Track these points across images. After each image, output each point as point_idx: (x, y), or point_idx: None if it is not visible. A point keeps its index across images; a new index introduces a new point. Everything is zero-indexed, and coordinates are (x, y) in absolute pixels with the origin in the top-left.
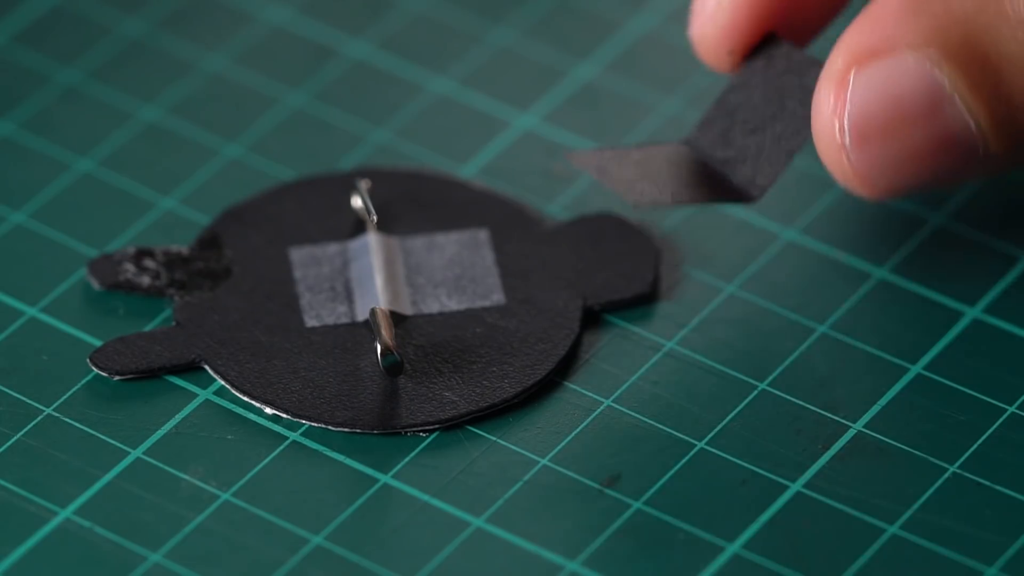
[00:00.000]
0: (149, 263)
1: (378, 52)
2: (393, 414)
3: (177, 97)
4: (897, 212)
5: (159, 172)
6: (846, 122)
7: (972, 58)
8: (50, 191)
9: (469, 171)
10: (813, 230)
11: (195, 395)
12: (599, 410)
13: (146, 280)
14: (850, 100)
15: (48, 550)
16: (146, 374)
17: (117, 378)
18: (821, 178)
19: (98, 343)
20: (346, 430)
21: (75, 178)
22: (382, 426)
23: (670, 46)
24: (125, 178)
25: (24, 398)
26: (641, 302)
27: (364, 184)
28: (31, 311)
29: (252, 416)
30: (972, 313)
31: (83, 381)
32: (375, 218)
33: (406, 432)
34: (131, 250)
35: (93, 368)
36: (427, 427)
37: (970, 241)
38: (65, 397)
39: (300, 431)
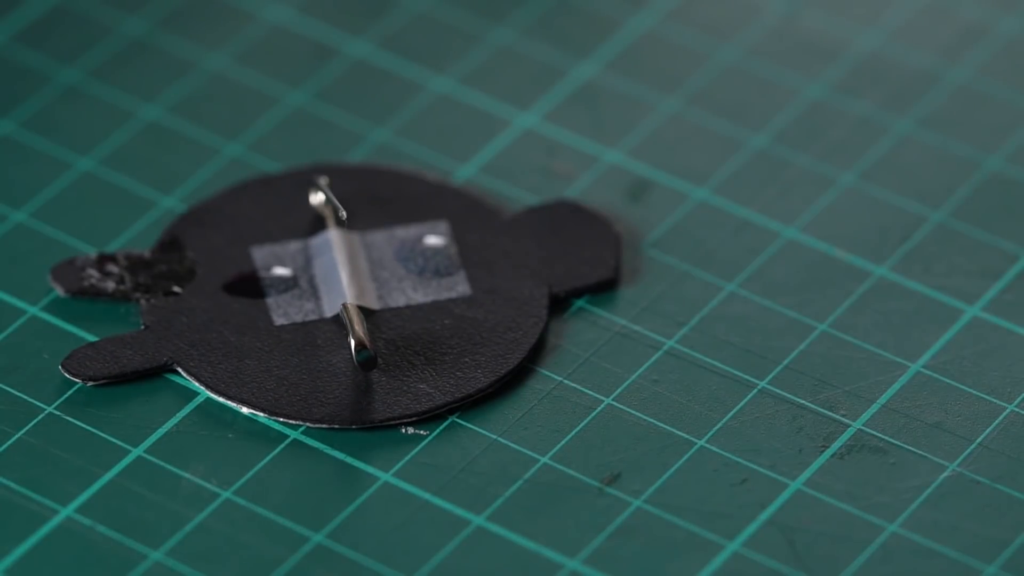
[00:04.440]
0: (112, 268)
1: (378, 51)
2: (370, 408)
3: (178, 96)
4: (896, 210)
5: (160, 171)
6: None
7: None
8: (51, 190)
9: (469, 170)
10: (813, 229)
11: (196, 394)
12: (600, 408)
13: (110, 285)
14: None
15: (49, 548)
16: (118, 379)
17: (91, 384)
18: (822, 177)
19: None
20: (324, 426)
21: (76, 177)
22: (360, 421)
23: (670, 45)
24: (126, 177)
25: (25, 396)
26: (605, 288)
27: (324, 181)
28: (32, 310)
29: (257, 415)
30: (972, 311)
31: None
32: (344, 214)
33: (400, 427)
34: (93, 255)
35: (66, 374)
36: (405, 420)
37: (970, 239)
38: (66, 395)
39: (300, 430)
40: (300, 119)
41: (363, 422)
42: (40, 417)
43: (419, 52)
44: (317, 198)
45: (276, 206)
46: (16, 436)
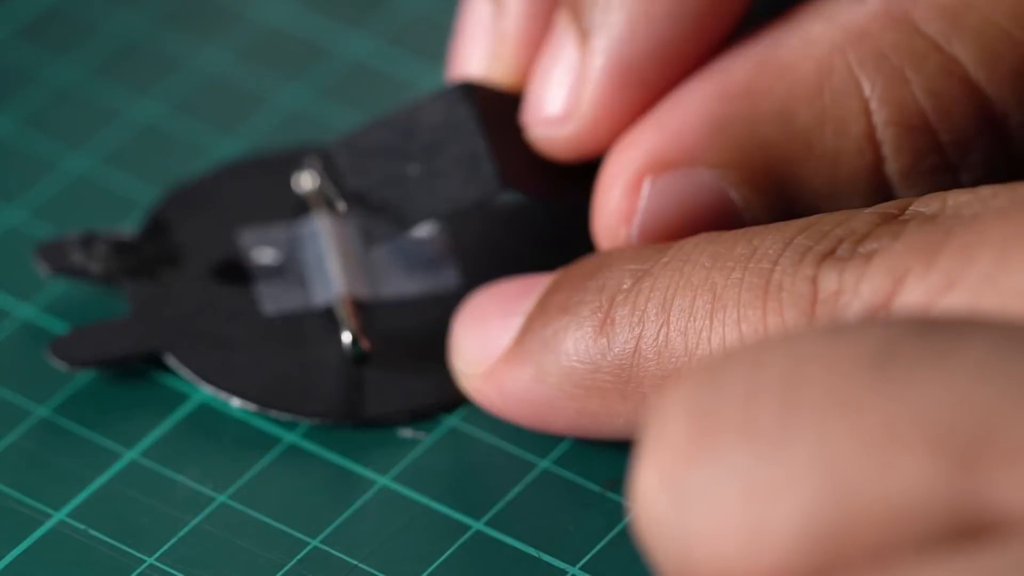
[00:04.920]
0: (98, 249)
1: (377, 51)
2: (363, 404)
3: (174, 95)
4: None
5: (155, 170)
6: (635, 229)
7: (771, 184)
8: (46, 189)
9: None
10: None
11: (191, 397)
12: None
13: (96, 266)
14: (642, 208)
15: (42, 553)
16: (107, 364)
17: (78, 369)
18: None
19: None
20: (317, 421)
21: (71, 176)
22: (353, 415)
23: None
24: (121, 176)
25: (19, 399)
26: None
27: (316, 163)
28: (26, 311)
29: (249, 418)
30: None
31: (78, 382)
32: (343, 205)
33: (395, 425)
34: (78, 235)
35: (53, 359)
36: (399, 415)
37: None
38: (60, 399)
39: (298, 433)
40: (298, 119)
41: (356, 417)
42: (32, 420)
43: (418, 52)
44: (304, 183)
45: (264, 189)
46: (8, 439)
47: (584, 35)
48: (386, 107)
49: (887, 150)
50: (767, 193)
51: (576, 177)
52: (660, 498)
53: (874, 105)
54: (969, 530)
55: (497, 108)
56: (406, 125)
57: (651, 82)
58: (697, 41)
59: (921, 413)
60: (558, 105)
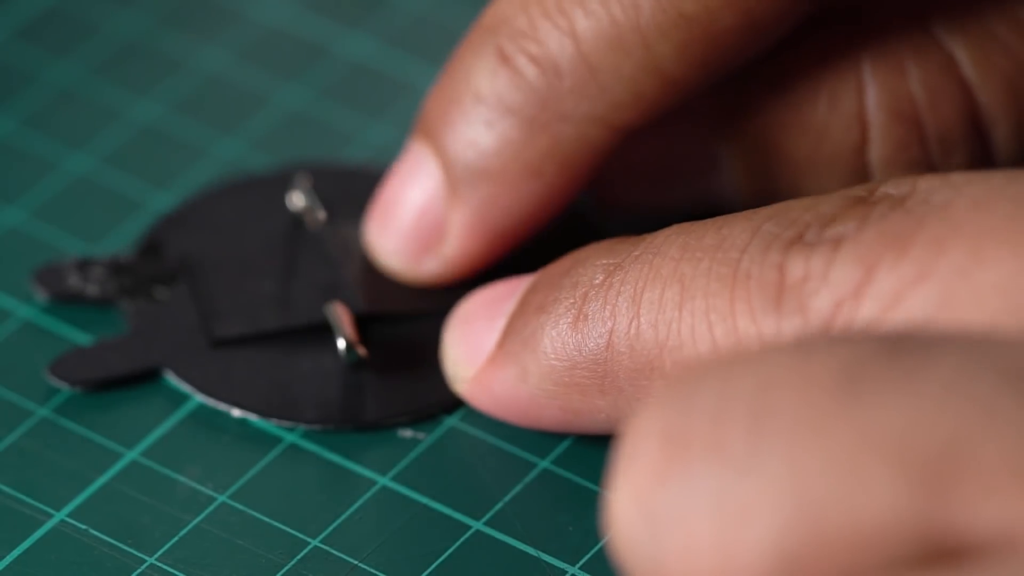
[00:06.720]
0: (94, 272)
1: (377, 51)
2: (364, 409)
3: (174, 95)
4: None
5: (156, 171)
6: None
7: (758, 148)
8: (46, 190)
9: None
10: None
11: (191, 397)
12: None
13: (93, 289)
14: None
15: (42, 553)
16: (106, 383)
17: (79, 389)
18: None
19: None
20: (318, 427)
21: (71, 177)
22: (352, 421)
23: None
24: (121, 178)
25: (19, 399)
26: None
27: (305, 182)
28: (24, 312)
29: (249, 417)
30: None
31: None
32: (323, 215)
33: (396, 429)
34: (74, 259)
35: (53, 379)
36: (398, 419)
37: None
38: (60, 399)
39: (298, 433)
40: (297, 119)
41: (356, 422)
42: (33, 420)
43: (418, 52)
44: (296, 201)
45: (257, 208)
46: (9, 439)
47: (454, 188)
48: (386, 107)
49: (874, 133)
50: (752, 156)
51: (440, 293)
52: (634, 517)
53: (868, 85)
54: (939, 553)
55: (359, 245)
56: (262, 247)
57: (519, 236)
58: (567, 199)
59: (889, 434)
60: (416, 243)
